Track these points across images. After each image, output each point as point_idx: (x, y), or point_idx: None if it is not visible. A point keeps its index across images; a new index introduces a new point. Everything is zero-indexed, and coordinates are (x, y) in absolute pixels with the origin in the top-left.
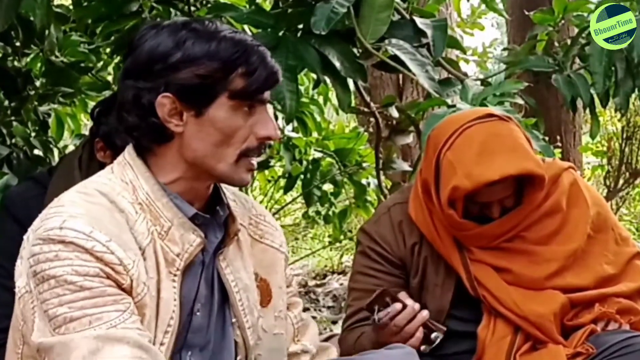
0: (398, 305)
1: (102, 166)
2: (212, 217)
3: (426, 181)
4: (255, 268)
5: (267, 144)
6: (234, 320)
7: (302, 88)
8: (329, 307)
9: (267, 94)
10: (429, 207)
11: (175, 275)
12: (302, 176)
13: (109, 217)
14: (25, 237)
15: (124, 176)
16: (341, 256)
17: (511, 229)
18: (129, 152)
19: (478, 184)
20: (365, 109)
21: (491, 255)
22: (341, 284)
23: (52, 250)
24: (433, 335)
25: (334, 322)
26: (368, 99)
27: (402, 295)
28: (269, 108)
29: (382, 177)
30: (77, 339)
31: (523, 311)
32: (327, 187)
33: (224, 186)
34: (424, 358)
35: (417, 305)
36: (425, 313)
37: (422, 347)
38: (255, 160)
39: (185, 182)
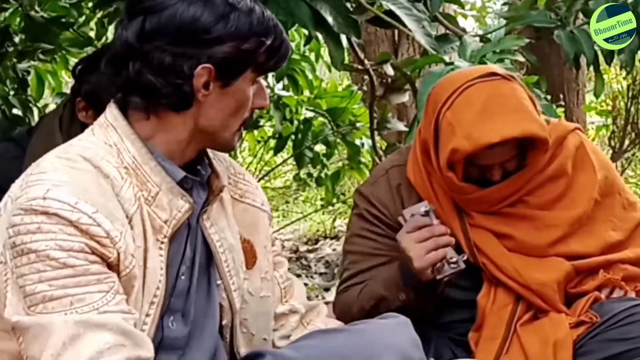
0: (440, 226)
1: (83, 127)
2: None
3: (425, 142)
4: (238, 228)
5: None
6: (219, 282)
7: (293, 44)
8: (321, 274)
9: None
10: (428, 169)
11: (162, 242)
12: (293, 137)
13: (94, 184)
14: (1, 204)
15: (107, 139)
16: (334, 220)
17: (513, 193)
18: (111, 113)
19: (478, 146)
20: (359, 67)
21: (492, 220)
22: (334, 250)
23: (34, 221)
24: (452, 259)
25: (327, 289)
26: (362, 55)
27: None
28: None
29: (377, 138)
30: (56, 322)
31: (525, 279)
32: (319, 148)
33: None
34: (419, 328)
35: (449, 230)
36: (452, 239)
37: (437, 271)
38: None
39: (178, 144)
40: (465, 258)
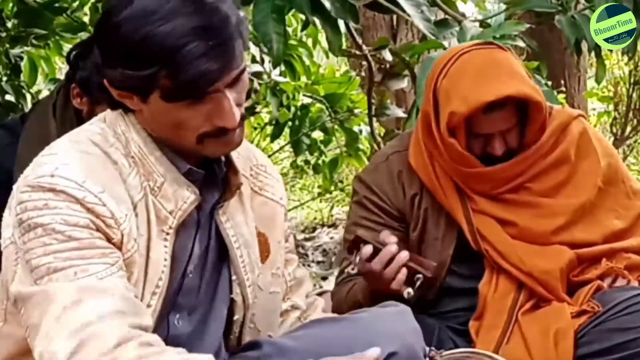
0: (367, 249)
1: (78, 113)
2: (209, 174)
3: (425, 113)
4: (254, 222)
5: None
6: (234, 277)
7: (290, 30)
8: (318, 262)
9: (222, 84)
10: (430, 150)
11: (167, 233)
12: (290, 123)
13: (102, 168)
14: (15, 186)
15: (116, 127)
16: (331, 208)
17: (516, 176)
18: None
19: (473, 106)
20: (357, 52)
21: (495, 206)
22: (331, 238)
23: (41, 198)
24: (416, 277)
25: (324, 278)
26: (360, 41)
27: (384, 234)
28: (230, 94)
29: (375, 124)
30: (59, 289)
31: (527, 267)
32: (317, 134)
33: None
34: (419, 317)
35: (393, 247)
36: (404, 255)
37: (406, 292)
38: (226, 137)
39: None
40: (428, 269)
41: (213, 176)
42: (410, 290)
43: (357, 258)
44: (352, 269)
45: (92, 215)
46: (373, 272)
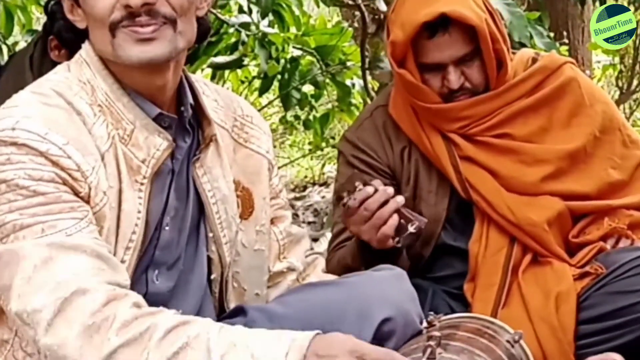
0: (369, 189)
1: (55, 66)
2: (179, 118)
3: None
4: (237, 176)
5: (146, 10)
6: (210, 234)
7: None
8: (309, 223)
9: None
10: (406, 97)
11: (142, 184)
12: (279, 76)
13: (66, 119)
14: None
15: (81, 75)
16: (323, 166)
17: (483, 117)
18: (85, 50)
19: (410, 31)
20: (350, 2)
21: (479, 152)
22: (323, 197)
23: (3, 153)
24: (410, 224)
25: (315, 240)
26: None
27: (376, 182)
28: None
29: (369, 78)
30: (27, 246)
31: (517, 218)
32: (307, 88)
33: (203, 84)
34: (414, 280)
35: (390, 190)
36: (399, 199)
37: (397, 239)
38: (140, 29)
39: (133, 78)
40: (420, 222)
41: (183, 122)
42: (401, 238)
43: (353, 196)
44: (344, 203)
45: (57, 168)
46: (366, 211)
